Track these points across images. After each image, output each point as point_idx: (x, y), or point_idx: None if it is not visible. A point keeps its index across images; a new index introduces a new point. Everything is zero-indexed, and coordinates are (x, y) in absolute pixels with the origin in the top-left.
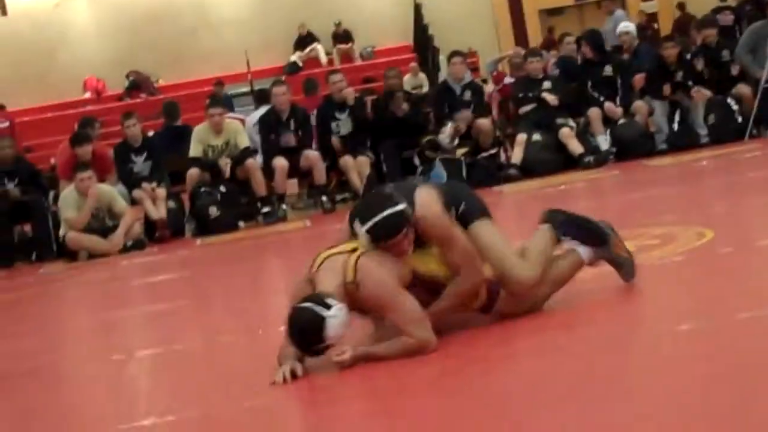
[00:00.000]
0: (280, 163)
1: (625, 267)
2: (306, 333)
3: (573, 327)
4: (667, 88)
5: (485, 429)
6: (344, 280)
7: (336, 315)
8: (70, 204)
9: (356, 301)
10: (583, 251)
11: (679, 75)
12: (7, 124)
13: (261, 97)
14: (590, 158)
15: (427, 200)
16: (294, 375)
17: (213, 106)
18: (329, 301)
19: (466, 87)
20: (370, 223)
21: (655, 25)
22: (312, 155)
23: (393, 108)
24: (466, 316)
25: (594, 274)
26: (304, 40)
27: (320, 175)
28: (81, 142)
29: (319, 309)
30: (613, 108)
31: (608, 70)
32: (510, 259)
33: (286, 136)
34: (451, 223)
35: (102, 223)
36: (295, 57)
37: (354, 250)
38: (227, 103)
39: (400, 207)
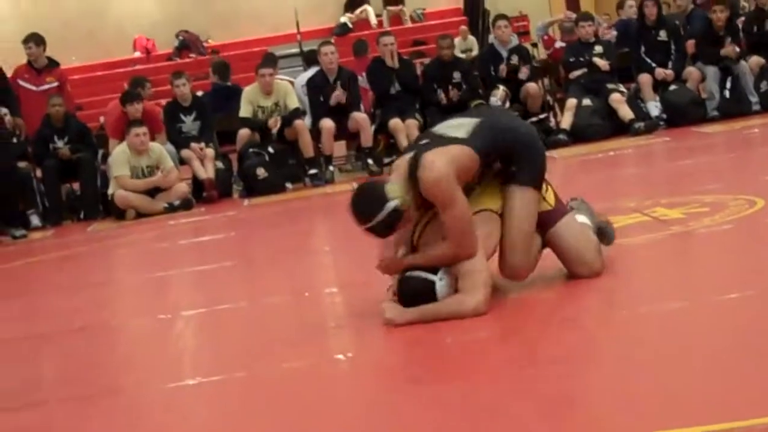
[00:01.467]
0: (327, 124)
1: (607, 234)
2: (419, 298)
3: (613, 292)
4: (730, 49)
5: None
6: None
7: (443, 278)
8: (121, 162)
9: None
10: (587, 221)
11: (728, 40)
12: (56, 84)
13: (310, 58)
14: (640, 124)
15: (429, 163)
16: None
17: (264, 66)
18: None
19: (513, 51)
20: (367, 226)
21: None
22: (360, 117)
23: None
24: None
25: (642, 242)
26: (355, 1)
27: (367, 137)
28: (132, 100)
29: (426, 275)
30: (664, 71)
31: (663, 35)
32: (520, 248)
33: (336, 95)
34: (452, 190)
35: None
36: (345, 18)
37: None
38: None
39: (390, 206)
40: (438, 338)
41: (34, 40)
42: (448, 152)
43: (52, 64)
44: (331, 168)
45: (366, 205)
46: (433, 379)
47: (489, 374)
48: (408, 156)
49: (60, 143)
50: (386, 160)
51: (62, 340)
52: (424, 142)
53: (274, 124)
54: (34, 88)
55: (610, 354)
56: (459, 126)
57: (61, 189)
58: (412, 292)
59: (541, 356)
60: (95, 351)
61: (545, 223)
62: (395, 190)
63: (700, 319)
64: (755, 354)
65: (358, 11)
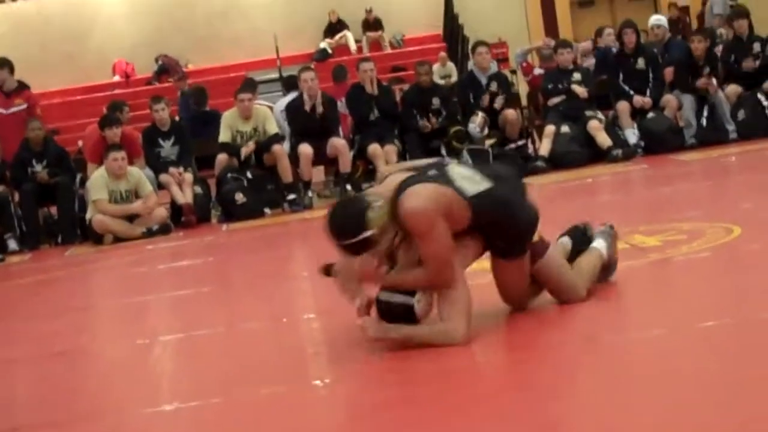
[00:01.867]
0: (306, 150)
1: (609, 270)
2: (400, 319)
3: (595, 318)
4: (704, 81)
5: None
6: None
7: (420, 299)
8: (99, 186)
9: None
10: (603, 248)
11: (706, 70)
12: (24, 106)
13: (290, 83)
14: (618, 152)
15: (412, 194)
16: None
17: (243, 91)
18: None
19: (492, 77)
20: (338, 243)
21: (687, 19)
22: (338, 143)
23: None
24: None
25: (621, 269)
26: (334, 27)
27: (346, 162)
28: (110, 124)
29: (404, 298)
30: (642, 99)
31: (641, 63)
32: (512, 300)
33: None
34: (429, 226)
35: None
36: (324, 44)
37: None
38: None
39: (365, 235)
40: (417, 364)
41: None
42: (442, 193)
43: (21, 86)
44: (309, 193)
45: (342, 226)
46: (412, 405)
47: (472, 399)
48: (405, 176)
49: (38, 167)
50: (365, 186)
51: (40, 365)
52: (431, 172)
53: (247, 152)
54: (3, 111)
55: (595, 379)
56: (471, 180)
57: (38, 213)
58: (393, 315)
59: (526, 380)
60: (73, 376)
61: (533, 254)
62: (375, 219)
63: (680, 346)
64: (734, 380)
65: (337, 37)
